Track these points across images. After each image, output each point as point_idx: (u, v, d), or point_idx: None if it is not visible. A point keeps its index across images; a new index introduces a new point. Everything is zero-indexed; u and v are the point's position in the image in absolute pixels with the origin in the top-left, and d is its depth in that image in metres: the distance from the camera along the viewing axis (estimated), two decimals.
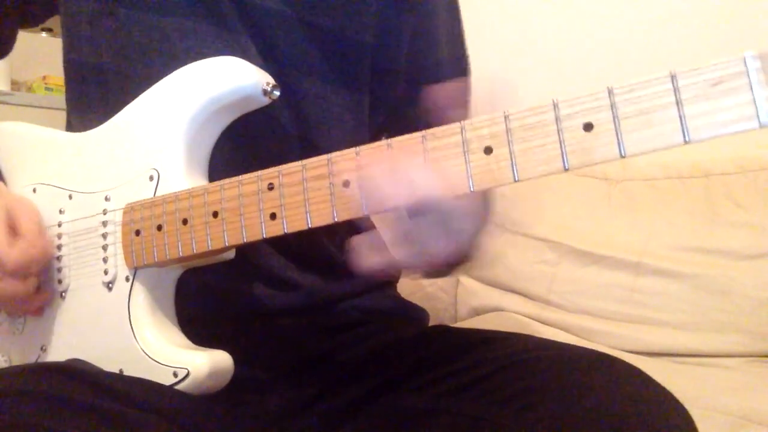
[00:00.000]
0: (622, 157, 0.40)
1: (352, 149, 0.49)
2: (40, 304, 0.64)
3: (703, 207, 1.30)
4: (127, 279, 0.60)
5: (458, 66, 0.78)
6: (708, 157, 1.35)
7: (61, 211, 0.66)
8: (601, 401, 0.48)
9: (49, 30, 2.40)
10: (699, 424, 0.49)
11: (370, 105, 0.70)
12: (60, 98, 2.39)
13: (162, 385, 0.55)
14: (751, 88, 0.37)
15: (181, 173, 0.59)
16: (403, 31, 0.70)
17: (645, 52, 1.59)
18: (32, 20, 0.80)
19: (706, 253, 1.25)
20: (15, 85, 2.39)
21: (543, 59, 1.79)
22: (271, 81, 0.58)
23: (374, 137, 0.72)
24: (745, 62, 0.37)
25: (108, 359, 0.60)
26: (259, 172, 0.53)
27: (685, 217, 1.31)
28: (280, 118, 0.65)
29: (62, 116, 0.76)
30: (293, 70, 0.65)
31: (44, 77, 2.46)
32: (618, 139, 0.40)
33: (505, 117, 0.43)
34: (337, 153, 0.50)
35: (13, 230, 0.61)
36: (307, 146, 0.67)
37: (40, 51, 2.29)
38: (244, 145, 0.64)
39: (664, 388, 0.51)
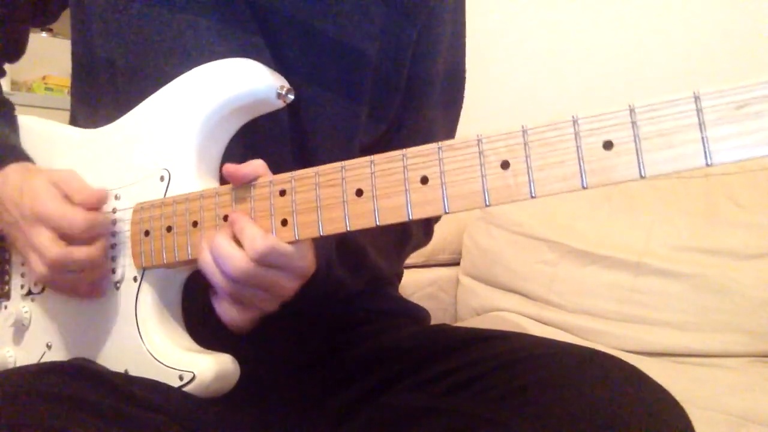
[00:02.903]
0: (642, 177, 0.39)
1: (367, 158, 0.48)
2: (100, 276, 0.62)
3: (703, 207, 1.30)
4: (135, 279, 0.60)
5: (452, 78, 0.78)
6: None
7: None
8: (598, 399, 0.48)
9: (49, 30, 2.40)
10: (699, 424, 0.49)
11: (370, 116, 0.70)
12: (60, 98, 2.40)
13: (169, 386, 0.55)
14: None
15: (193, 175, 0.58)
16: (406, 42, 0.70)
17: (666, 66, 1.59)
18: (48, 17, 0.78)
19: (706, 253, 1.25)
20: (15, 85, 2.39)
21: (560, 69, 1.79)
22: (286, 84, 0.58)
23: (370, 148, 0.71)
24: None
25: (114, 359, 0.60)
26: (272, 177, 0.53)
27: (685, 217, 1.31)
28: (279, 122, 0.65)
29: (62, 116, 0.75)
30: (297, 74, 0.65)
31: (44, 77, 2.46)
32: (638, 159, 0.39)
33: (524, 131, 0.42)
34: (351, 161, 0.49)
35: (67, 199, 0.60)
36: (300, 151, 0.67)
37: (40, 51, 2.29)
38: (251, 148, 0.64)
39: (660, 386, 0.51)
